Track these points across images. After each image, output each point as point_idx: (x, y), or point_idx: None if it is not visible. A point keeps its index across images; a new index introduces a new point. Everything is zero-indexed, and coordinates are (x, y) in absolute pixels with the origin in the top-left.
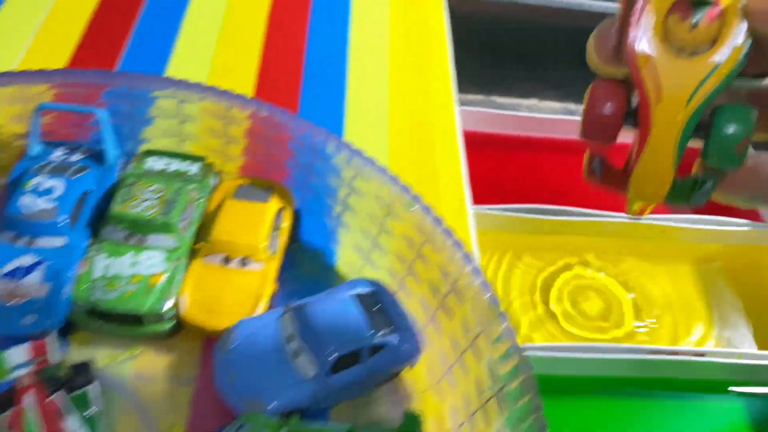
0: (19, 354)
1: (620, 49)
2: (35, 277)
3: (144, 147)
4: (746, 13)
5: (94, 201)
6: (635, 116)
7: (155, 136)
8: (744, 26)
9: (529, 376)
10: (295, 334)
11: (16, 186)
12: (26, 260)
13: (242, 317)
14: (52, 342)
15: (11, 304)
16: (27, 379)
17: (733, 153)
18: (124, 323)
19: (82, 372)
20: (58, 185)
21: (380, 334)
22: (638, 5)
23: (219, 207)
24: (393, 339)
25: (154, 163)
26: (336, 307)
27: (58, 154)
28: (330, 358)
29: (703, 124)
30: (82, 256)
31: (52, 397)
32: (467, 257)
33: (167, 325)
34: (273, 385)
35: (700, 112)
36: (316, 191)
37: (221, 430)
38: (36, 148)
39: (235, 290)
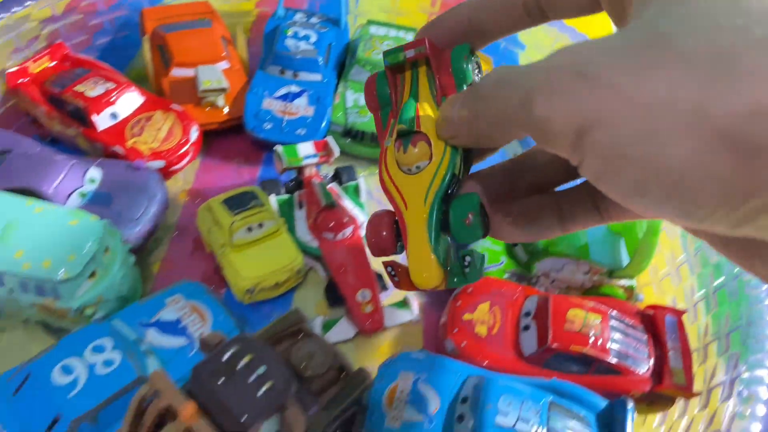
0: (307, 148)
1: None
2: (302, 101)
3: (363, 19)
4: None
5: (336, 52)
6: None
7: (371, 11)
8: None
9: None
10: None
11: (274, 35)
12: (293, 88)
13: None
14: (331, 141)
15: (287, 119)
16: (310, 170)
17: (466, 228)
18: (374, 141)
19: (348, 172)
20: (312, 34)
21: None
22: (383, 144)
23: None
24: None
25: (376, 30)
26: None
27: (299, 17)
28: None
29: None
30: (334, 91)
31: (330, 185)
32: None
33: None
34: None
35: (436, 206)
36: (512, 62)
37: None
38: (281, 11)
39: None
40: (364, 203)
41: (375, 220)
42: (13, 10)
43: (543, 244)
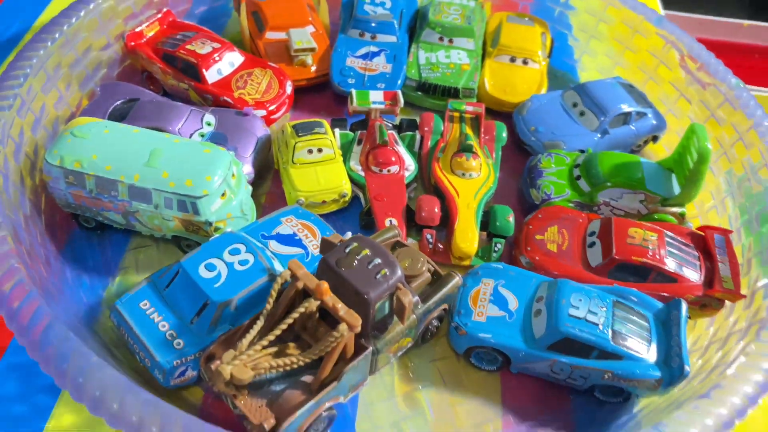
0: (377, 95)
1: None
2: (381, 59)
3: None
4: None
5: (408, 17)
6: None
7: None
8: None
9: None
10: (578, 101)
11: (351, 4)
12: (372, 48)
13: (530, 95)
14: (398, 96)
15: (368, 74)
16: (377, 114)
17: (507, 223)
18: (444, 95)
19: (411, 125)
20: (386, 1)
21: (640, 105)
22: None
23: (498, 26)
24: (650, 111)
25: None
26: (606, 86)
27: None
28: (610, 117)
29: (486, 213)
30: (407, 51)
31: (389, 131)
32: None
33: (473, 99)
34: (567, 134)
35: (482, 203)
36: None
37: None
38: None
39: (523, 79)
40: (415, 153)
41: (427, 199)
42: None
43: (604, 177)
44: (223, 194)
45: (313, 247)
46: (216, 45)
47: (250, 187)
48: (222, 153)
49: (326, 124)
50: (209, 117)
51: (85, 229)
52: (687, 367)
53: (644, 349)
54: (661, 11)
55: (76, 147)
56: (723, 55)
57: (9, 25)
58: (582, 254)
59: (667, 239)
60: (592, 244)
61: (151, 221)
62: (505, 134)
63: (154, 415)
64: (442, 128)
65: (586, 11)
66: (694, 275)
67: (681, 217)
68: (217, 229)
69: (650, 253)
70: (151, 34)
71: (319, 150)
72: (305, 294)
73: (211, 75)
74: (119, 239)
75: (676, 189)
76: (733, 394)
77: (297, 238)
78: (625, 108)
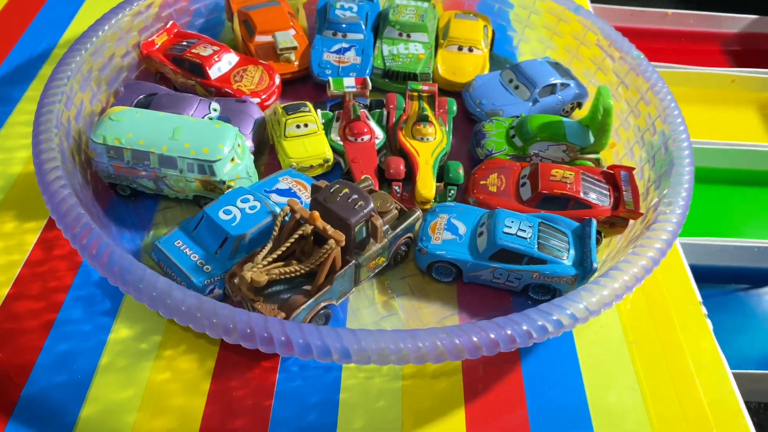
0: (350, 81)
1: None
2: (351, 53)
3: None
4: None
5: (372, 18)
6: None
7: None
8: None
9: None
10: (513, 78)
11: (325, 10)
12: (344, 45)
13: (475, 75)
14: (367, 81)
15: (341, 66)
16: (350, 96)
17: (458, 174)
18: (405, 79)
19: (378, 104)
20: (353, 6)
21: (564, 78)
22: (399, 125)
23: (448, 22)
24: (573, 82)
25: (401, 1)
26: (536, 64)
27: None
28: (539, 88)
29: (441, 168)
30: (373, 45)
31: (361, 109)
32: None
33: (430, 81)
34: (504, 104)
35: (438, 160)
36: (504, 18)
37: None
38: None
39: (469, 63)
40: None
41: (394, 159)
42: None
43: (533, 133)
44: (232, 159)
45: (306, 198)
46: (216, 48)
47: (252, 156)
48: (229, 127)
49: (310, 104)
50: (215, 104)
51: (121, 197)
52: (595, 264)
53: (564, 256)
54: (589, 5)
55: (115, 128)
56: (651, 41)
57: (39, 42)
58: (516, 192)
59: (583, 176)
60: (524, 184)
61: (177, 184)
62: (455, 108)
63: (198, 306)
64: (404, 105)
65: (520, 6)
66: (604, 202)
67: (597, 162)
68: (229, 187)
69: (568, 186)
70: (161, 42)
71: (305, 125)
72: (302, 224)
73: (214, 72)
74: (150, 203)
75: (592, 140)
76: (624, 274)
77: (293, 191)
78: (552, 80)
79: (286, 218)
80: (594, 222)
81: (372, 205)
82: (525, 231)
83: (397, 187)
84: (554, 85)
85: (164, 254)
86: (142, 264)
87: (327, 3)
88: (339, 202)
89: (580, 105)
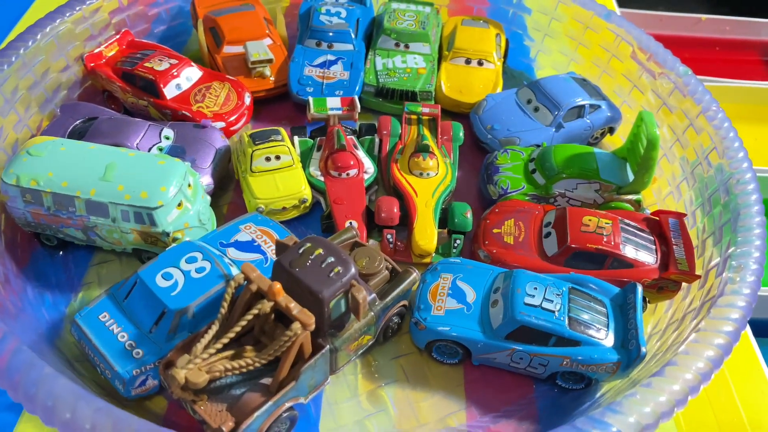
0: (334, 102)
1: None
2: (338, 67)
3: None
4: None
5: (364, 25)
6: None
7: None
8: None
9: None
10: (532, 97)
11: (308, 15)
12: (330, 57)
13: (486, 94)
14: (355, 101)
15: (326, 83)
16: (335, 120)
17: (465, 219)
18: (402, 99)
19: (369, 130)
20: (342, 11)
21: (594, 97)
22: (393, 156)
23: (454, 30)
24: (604, 103)
25: (398, 5)
26: (560, 81)
27: None
28: (563, 111)
29: (444, 211)
30: (365, 58)
31: (348, 136)
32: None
33: (431, 102)
34: (522, 130)
35: (440, 201)
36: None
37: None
38: None
39: (479, 79)
40: (375, 156)
41: (386, 200)
42: (88, 2)
43: (558, 168)
44: (179, 204)
45: (272, 252)
46: (174, 61)
47: (208, 197)
48: (176, 164)
49: (283, 132)
50: (168, 131)
51: (47, 247)
52: (644, 349)
53: (601, 334)
54: (617, 9)
55: (32, 165)
56: (684, 49)
57: None
58: (538, 245)
59: (622, 225)
60: (548, 235)
61: (111, 235)
62: (461, 134)
63: (107, 422)
64: (400, 131)
65: (539, 11)
66: (650, 259)
67: (637, 204)
68: (175, 240)
69: (605, 239)
70: (110, 54)
71: (277, 157)
72: (260, 296)
73: (170, 90)
74: (82, 255)
75: (631, 177)
76: (685, 371)
77: (256, 244)
78: (579, 101)
79: (240, 289)
80: (639, 288)
81: (353, 270)
82: (552, 301)
83: (389, 236)
84: (582, 107)
85: (85, 333)
86: (41, 361)
87: (310, 7)
88: (310, 268)
89: (612, 130)
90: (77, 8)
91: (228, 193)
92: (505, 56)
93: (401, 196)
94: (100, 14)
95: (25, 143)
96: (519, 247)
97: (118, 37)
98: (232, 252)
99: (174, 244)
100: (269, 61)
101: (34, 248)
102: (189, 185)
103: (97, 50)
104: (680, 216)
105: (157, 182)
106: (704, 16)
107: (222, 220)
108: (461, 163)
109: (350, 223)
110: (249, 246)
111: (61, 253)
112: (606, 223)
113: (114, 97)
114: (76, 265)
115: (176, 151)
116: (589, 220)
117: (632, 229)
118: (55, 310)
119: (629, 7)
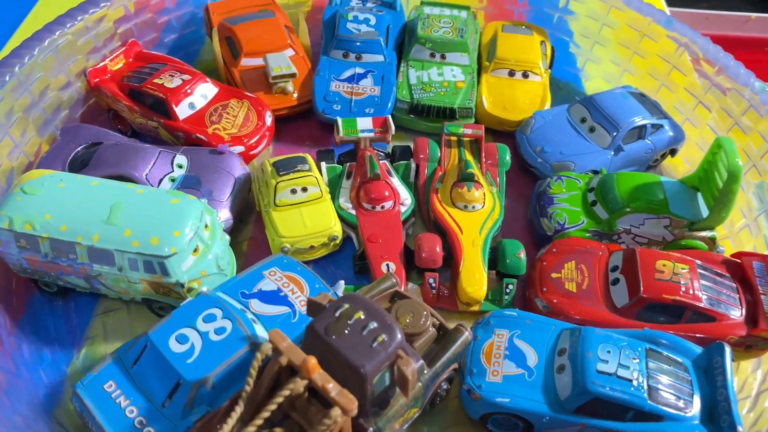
0: (366, 123)
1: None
2: (368, 81)
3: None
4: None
5: (395, 33)
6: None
7: None
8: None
9: None
10: (587, 116)
11: (333, 22)
12: (358, 70)
13: (533, 111)
14: (389, 122)
15: (355, 99)
16: (366, 143)
17: (518, 261)
18: (439, 116)
19: (404, 153)
20: (370, 17)
21: (655, 116)
22: (433, 185)
23: (494, 37)
24: (666, 123)
25: (431, 10)
26: (616, 97)
27: (355, 2)
28: (623, 131)
29: (493, 249)
30: (397, 70)
31: (381, 161)
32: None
33: (472, 120)
34: (576, 153)
35: (489, 238)
36: (565, 31)
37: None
38: None
39: (524, 94)
40: (412, 185)
41: (427, 238)
42: (91, 11)
43: (623, 201)
44: (195, 250)
45: (301, 303)
46: (186, 77)
47: (227, 237)
48: (192, 202)
49: (310, 159)
50: (180, 158)
51: (46, 294)
52: (740, 428)
53: (686, 406)
54: (666, 9)
55: (27, 205)
56: (731, 50)
57: None
58: (605, 293)
59: (701, 271)
60: (616, 281)
61: (117, 284)
62: (508, 157)
63: None
64: (439, 154)
65: (588, 15)
66: (734, 312)
67: (711, 241)
68: (190, 290)
69: (683, 289)
70: (116, 68)
71: (304, 189)
72: (291, 369)
73: (182, 110)
74: (85, 303)
75: (704, 210)
76: None
77: (282, 294)
78: (639, 121)
79: (266, 361)
80: (728, 350)
81: (399, 338)
82: (628, 367)
83: (432, 280)
84: (643, 127)
85: (87, 407)
86: None
87: (336, 13)
88: (349, 336)
89: (674, 152)
90: (79, 18)
91: (248, 226)
92: (551, 66)
93: (444, 233)
94: (104, 24)
95: (20, 178)
96: (583, 296)
97: (124, 48)
98: (256, 304)
99: (189, 296)
100: (292, 75)
101: (31, 295)
102: (206, 226)
103: (101, 64)
104: (766, 259)
105: (170, 225)
106: (753, 15)
107: (242, 260)
108: (507, 189)
109: (387, 266)
110: (274, 297)
111: (61, 301)
112: (682, 269)
113: (121, 116)
114: (79, 314)
115: (190, 181)
116: (663, 265)
117: (713, 276)
118: (54, 369)
119: (675, 6)
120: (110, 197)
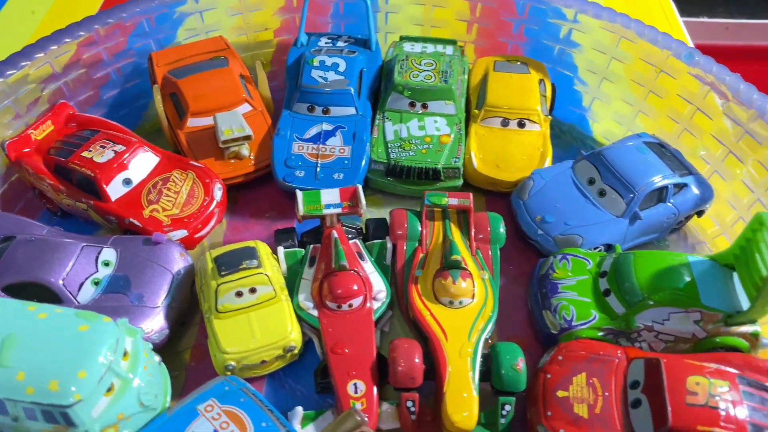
0: (331, 195)
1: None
2: (336, 140)
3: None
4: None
5: (369, 78)
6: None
7: (403, 26)
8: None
9: None
10: (596, 176)
11: (298, 67)
12: (325, 126)
13: (531, 170)
14: (358, 193)
15: (321, 162)
16: (333, 220)
17: (516, 373)
18: (420, 178)
19: (379, 229)
20: (340, 62)
21: (678, 172)
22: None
23: (484, 78)
24: (691, 179)
25: (411, 47)
26: (630, 151)
27: (323, 42)
28: (640, 195)
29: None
30: (371, 125)
31: (351, 240)
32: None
33: (460, 181)
34: (584, 223)
35: (479, 343)
36: (569, 66)
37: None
38: (303, 38)
39: (521, 148)
40: (387, 269)
41: (406, 348)
42: (8, 73)
43: (642, 292)
44: (109, 389)
45: None
46: (120, 147)
47: (155, 360)
48: (105, 327)
49: (262, 248)
50: (108, 253)
51: None
52: None
53: None
54: (678, 19)
55: None
56: (752, 61)
57: None
58: (623, 420)
59: (743, 388)
60: (637, 403)
61: None
62: (502, 229)
63: None
64: (420, 230)
65: (594, 47)
66: None
67: (754, 338)
68: None
69: (723, 416)
70: (42, 137)
71: (252, 290)
72: None
73: (115, 189)
74: None
75: (743, 298)
76: None
77: None
78: (659, 181)
79: None
80: None
81: None
82: None
83: (410, 403)
84: (664, 188)
85: None
86: None
87: (300, 56)
88: None
89: (700, 213)
90: None
91: (192, 329)
92: (551, 110)
93: (425, 336)
94: (27, 85)
95: None
96: (596, 424)
97: (50, 113)
98: None
99: None
100: (246, 138)
101: None
102: (125, 354)
103: (24, 133)
104: None
105: (74, 364)
106: None
107: (183, 374)
108: (502, 265)
109: (355, 386)
110: None
111: None
112: (721, 387)
113: (47, 196)
114: None
115: (117, 284)
116: (697, 383)
117: (759, 393)
118: None
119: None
120: (3, 326)
